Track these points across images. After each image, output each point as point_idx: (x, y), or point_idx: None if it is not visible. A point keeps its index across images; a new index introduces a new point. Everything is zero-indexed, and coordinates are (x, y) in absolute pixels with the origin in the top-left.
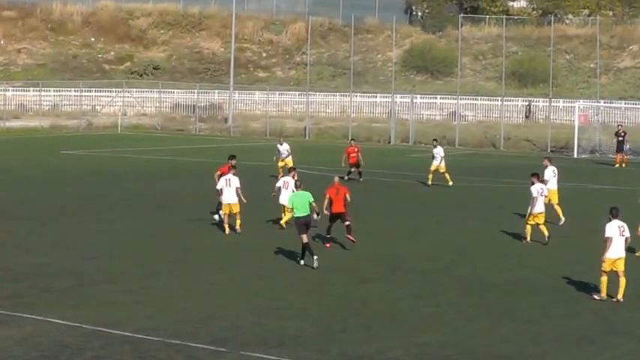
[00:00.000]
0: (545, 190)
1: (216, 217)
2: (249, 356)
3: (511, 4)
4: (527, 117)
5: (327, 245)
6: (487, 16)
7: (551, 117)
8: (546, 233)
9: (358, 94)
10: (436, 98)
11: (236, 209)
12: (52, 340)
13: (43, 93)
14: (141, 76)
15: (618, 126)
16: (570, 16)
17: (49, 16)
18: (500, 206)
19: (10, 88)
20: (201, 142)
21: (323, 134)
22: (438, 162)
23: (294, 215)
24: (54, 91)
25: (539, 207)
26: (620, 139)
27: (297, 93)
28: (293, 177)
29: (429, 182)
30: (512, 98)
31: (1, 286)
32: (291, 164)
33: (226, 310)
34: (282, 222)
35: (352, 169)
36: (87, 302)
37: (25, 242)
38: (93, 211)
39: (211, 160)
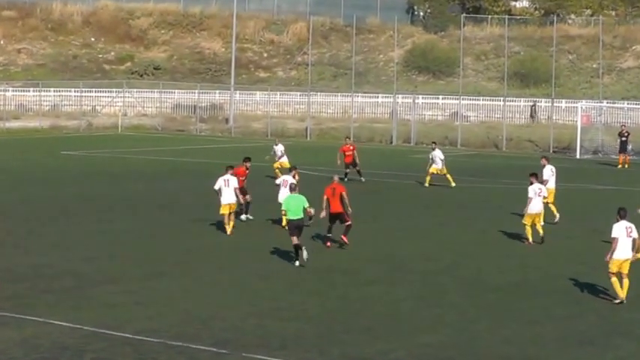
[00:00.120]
0: (544, 190)
1: (243, 217)
2: (252, 358)
3: (513, 4)
4: (532, 117)
5: (328, 244)
6: (489, 16)
7: (554, 117)
8: (541, 232)
9: (360, 94)
10: (438, 98)
11: (234, 209)
12: (52, 341)
13: (43, 93)
14: (141, 76)
15: (622, 126)
16: (573, 16)
17: (49, 16)
18: (502, 207)
19: (10, 89)
20: (202, 143)
21: (324, 135)
22: (440, 165)
23: (287, 217)
24: (54, 91)
25: (536, 207)
26: (624, 139)
27: (299, 93)
28: (294, 176)
29: (427, 184)
30: (514, 98)
31: (1, 287)
32: (286, 165)
33: (227, 311)
34: (284, 223)
35: (348, 169)
36: (87, 303)
37: (25, 242)
38: (93, 212)
39: (212, 161)
